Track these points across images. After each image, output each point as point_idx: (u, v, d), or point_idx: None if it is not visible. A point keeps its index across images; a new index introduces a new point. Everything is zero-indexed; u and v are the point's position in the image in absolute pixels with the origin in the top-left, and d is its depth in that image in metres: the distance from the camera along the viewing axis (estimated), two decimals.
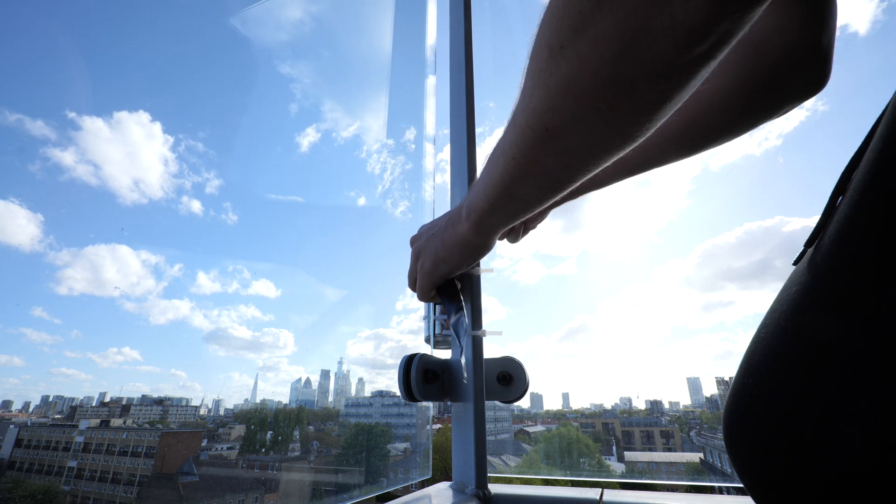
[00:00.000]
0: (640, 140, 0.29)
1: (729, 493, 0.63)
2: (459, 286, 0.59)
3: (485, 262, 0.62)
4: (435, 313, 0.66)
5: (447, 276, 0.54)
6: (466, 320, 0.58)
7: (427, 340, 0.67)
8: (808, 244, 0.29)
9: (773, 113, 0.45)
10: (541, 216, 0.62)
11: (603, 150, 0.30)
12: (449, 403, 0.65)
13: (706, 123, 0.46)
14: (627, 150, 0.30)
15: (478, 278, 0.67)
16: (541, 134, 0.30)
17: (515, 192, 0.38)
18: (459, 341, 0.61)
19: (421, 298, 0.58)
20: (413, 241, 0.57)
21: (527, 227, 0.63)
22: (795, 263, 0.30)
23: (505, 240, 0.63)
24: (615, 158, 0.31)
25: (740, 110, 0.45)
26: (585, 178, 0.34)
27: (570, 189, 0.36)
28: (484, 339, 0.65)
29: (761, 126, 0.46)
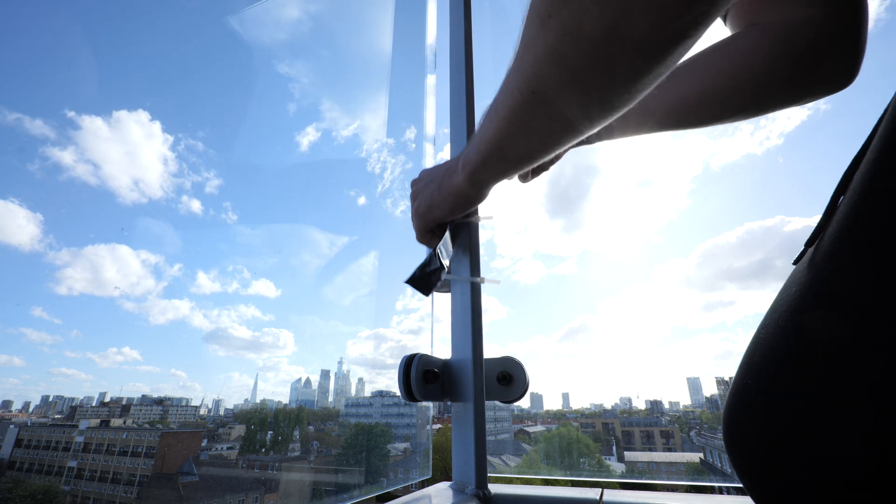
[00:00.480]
0: (621, 111, 0.30)
1: (729, 493, 0.63)
2: (449, 230, 0.62)
3: (485, 210, 0.65)
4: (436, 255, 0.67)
5: (439, 221, 0.57)
6: (451, 248, 0.62)
7: None
8: (808, 244, 0.29)
9: (794, 102, 0.44)
10: (554, 159, 0.61)
11: (585, 117, 0.31)
12: (449, 403, 0.65)
13: (725, 103, 0.47)
14: (610, 119, 0.31)
15: (476, 226, 0.69)
16: (528, 97, 0.32)
17: (505, 150, 0.40)
18: (442, 261, 0.62)
19: (417, 238, 0.61)
20: (413, 183, 0.60)
21: (537, 169, 0.62)
22: (795, 263, 0.30)
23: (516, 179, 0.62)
24: (598, 127, 0.32)
25: (761, 95, 0.45)
26: (573, 143, 0.36)
27: (558, 152, 0.38)
28: (483, 339, 0.65)
29: (773, 115, 0.46)
